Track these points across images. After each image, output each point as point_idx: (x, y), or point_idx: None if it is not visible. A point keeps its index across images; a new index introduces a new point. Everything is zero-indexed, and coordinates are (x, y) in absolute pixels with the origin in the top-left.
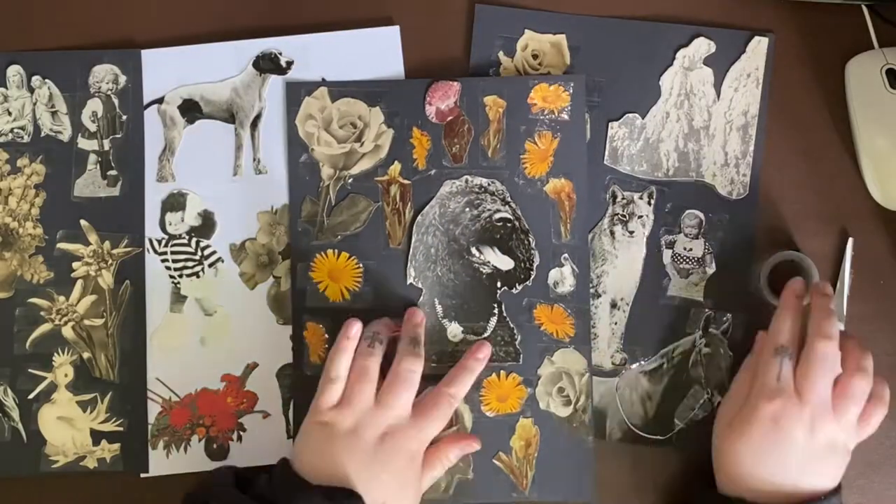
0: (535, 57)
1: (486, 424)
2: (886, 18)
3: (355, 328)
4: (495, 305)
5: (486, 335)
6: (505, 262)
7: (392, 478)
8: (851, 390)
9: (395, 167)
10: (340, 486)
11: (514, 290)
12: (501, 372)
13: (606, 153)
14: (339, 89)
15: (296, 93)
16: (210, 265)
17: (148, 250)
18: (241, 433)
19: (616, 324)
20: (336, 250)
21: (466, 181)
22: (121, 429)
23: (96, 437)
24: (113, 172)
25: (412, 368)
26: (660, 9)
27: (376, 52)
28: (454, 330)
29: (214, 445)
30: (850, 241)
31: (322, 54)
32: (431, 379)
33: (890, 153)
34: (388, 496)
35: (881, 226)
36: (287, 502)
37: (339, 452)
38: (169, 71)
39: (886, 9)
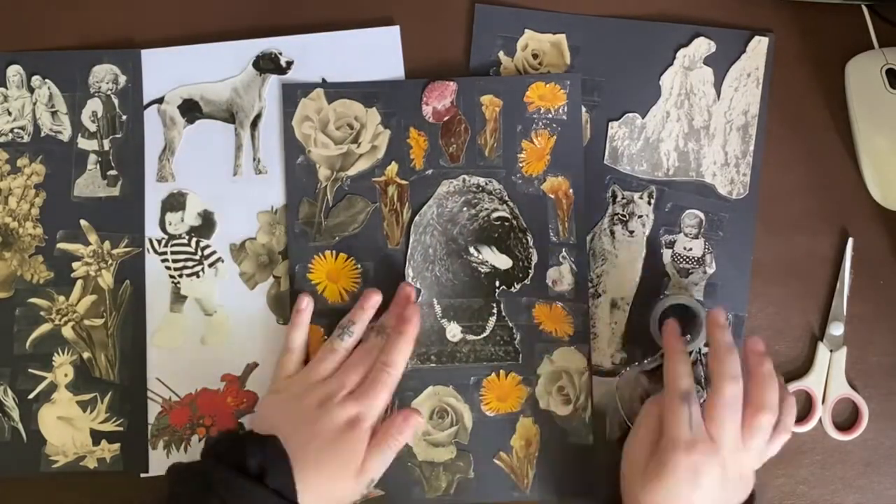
0: (535, 57)
1: (487, 424)
2: (886, 18)
3: (304, 301)
4: (494, 305)
5: (485, 335)
6: (503, 262)
7: (322, 443)
8: (758, 425)
9: (393, 167)
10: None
11: (512, 290)
12: (501, 371)
13: (606, 153)
14: (336, 90)
15: (292, 94)
16: (210, 265)
17: (148, 250)
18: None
19: (616, 323)
20: (334, 251)
21: (464, 180)
22: (121, 429)
23: (96, 437)
24: (113, 172)
25: (365, 349)
26: (660, 8)
27: (376, 52)
28: (453, 330)
29: None
30: (850, 241)
31: (322, 54)
32: (432, 379)
33: (890, 153)
34: (316, 461)
35: (881, 226)
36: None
37: (277, 414)
38: (169, 71)
39: (886, 9)
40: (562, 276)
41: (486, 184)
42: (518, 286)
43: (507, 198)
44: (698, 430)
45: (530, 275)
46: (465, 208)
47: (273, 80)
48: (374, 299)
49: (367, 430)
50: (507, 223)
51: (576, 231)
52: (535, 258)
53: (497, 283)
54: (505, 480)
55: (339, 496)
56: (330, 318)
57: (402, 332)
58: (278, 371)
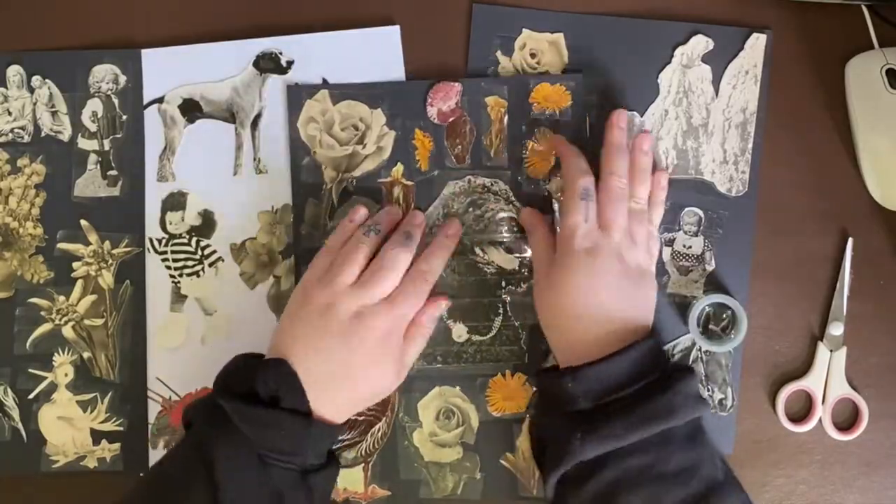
0: (533, 56)
1: (493, 424)
2: (886, 18)
3: (360, 213)
4: (500, 305)
5: (491, 335)
6: (509, 262)
7: (362, 356)
8: (634, 216)
9: (398, 169)
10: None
11: (518, 290)
12: (507, 371)
13: None
14: (341, 92)
15: (297, 96)
16: (210, 265)
17: (148, 250)
18: None
19: None
20: None
21: (469, 181)
22: (121, 429)
23: (96, 437)
24: (113, 172)
25: (398, 254)
26: (658, 6)
27: (376, 51)
28: (459, 330)
29: None
30: (850, 241)
31: (322, 54)
32: (438, 379)
33: (890, 153)
34: (356, 372)
35: (881, 226)
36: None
37: (309, 330)
38: (169, 71)
39: (886, 9)
40: None
41: (492, 184)
42: (524, 286)
43: (512, 198)
44: (593, 223)
45: None
46: (470, 209)
47: (276, 79)
48: (396, 211)
49: (402, 334)
50: (513, 223)
51: None
52: None
53: (503, 284)
54: (511, 481)
55: (379, 394)
56: None
57: (444, 246)
58: (307, 274)
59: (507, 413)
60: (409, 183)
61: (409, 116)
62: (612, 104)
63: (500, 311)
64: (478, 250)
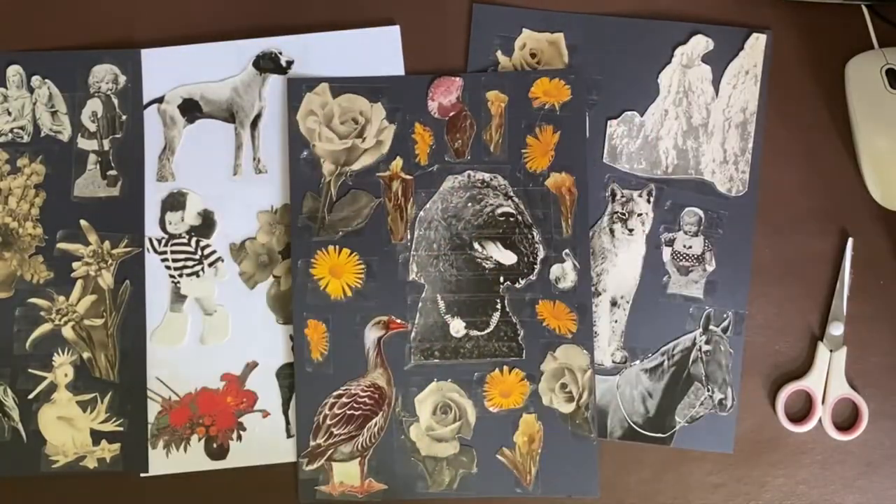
0: (532, 56)
1: (490, 420)
2: (886, 18)
3: None
4: (498, 301)
5: (488, 330)
6: (507, 257)
7: None
8: None
9: (397, 163)
10: None
11: (516, 285)
12: (504, 367)
13: (605, 151)
14: (341, 85)
15: (297, 89)
16: (210, 265)
17: (148, 250)
18: (241, 433)
19: (616, 322)
20: (337, 246)
21: (469, 176)
22: (121, 429)
23: (96, 437)
24: (113, 172)
25: None
26: (658, 6)
27: (376, 51)
28: (457, 325)
29: (214, 445)
30: (850, 241)
31: (322, 54)
32: (435, 374)
33: (890, 153)
34: None
35: (881, 226)
36: None
37: None
38: (169, 71)
39: (886, 9)
40: (565, 273)
41: (491, 179)
42: (522, 282)
43: (511, 193)
44: None
45: (535, 270)
46: (469, 203)
47: (275, 79)
48: None
49: None
50: (511, 219)
51: (579, 227)
52: (541, 254)
53: (501, 279)
54: (508, 476)
55: None
56: (332, 314)
57: None
58: None
59: (505, 408)
60: (409, 177)
61: (410, 110)
62: (612, 104)
63: (498, 306)
64: (476, 245)
